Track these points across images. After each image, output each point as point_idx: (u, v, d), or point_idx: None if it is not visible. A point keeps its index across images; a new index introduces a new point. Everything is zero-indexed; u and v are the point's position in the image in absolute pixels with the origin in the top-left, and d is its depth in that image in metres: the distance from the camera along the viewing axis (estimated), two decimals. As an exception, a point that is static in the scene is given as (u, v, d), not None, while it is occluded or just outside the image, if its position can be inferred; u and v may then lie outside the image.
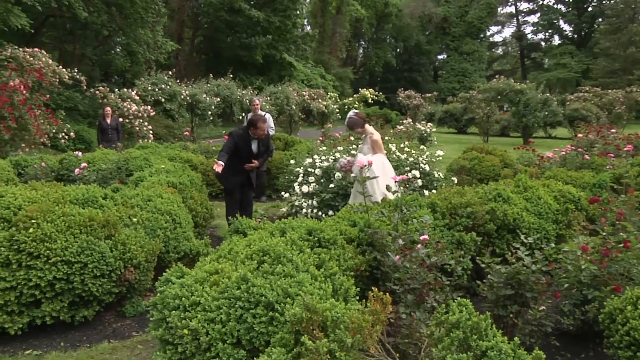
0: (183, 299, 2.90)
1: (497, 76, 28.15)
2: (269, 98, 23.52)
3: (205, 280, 3.07)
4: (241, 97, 21.40)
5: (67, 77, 15.85)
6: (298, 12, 46.30)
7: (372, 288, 2.88)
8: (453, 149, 19.96)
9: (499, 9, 71.14)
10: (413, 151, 7.97)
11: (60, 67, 15.86)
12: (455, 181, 7.99)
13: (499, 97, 26.45)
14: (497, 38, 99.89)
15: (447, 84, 62.56)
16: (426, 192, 6.84)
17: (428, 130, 21.59)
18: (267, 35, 40.42)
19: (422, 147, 8.87)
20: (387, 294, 2.77)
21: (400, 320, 3.26)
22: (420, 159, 7.63)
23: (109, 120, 13.51)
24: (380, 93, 29.48)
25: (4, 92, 13.43)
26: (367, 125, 6.69)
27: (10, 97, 13.44)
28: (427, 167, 7.42)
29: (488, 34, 68.65)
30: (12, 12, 21.33)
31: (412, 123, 22.46)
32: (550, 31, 71.49)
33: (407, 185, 6.43)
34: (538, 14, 72.71)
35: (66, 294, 4.54)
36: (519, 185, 5.93)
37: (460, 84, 59.65)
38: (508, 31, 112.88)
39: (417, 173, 6.68)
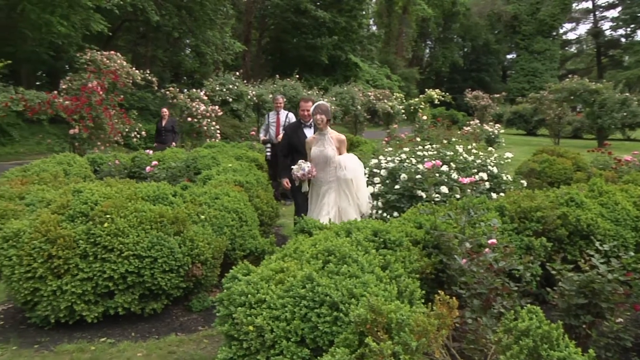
0: (249, 296, 2.95)
1: (570, 75, 27.13)
2: (334, 98, 23.58)
3: (270, 278, 3.10)
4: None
5: (139, 78, 16.49)
6: (364, 13, 46.20)
7: (438, 291, 2.83)
8: (522, 151, 19.38)
9: (574, 5, 68.09)
10: (480, 153, 7.79)
11: (134, 68, 16.50)
12: (525, 184, 7.74)
13: (572, 97, 25.45)
14: (571, 35, 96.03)
15: (516, 84, 60.73)
16: (494, 195, 6.65)
17: (496, 131, 21.03)
18: (332, 36, 40.57)
19: (489, 148, 8.65)
20: (453, 297, 2.72)
21: (465, 325, 3.19)
22: (488, 161, 7.44)
23: (164, 122, 13.60)
24: (447, 94, 28.92)
25: (83, 94, 14.11)
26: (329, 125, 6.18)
27: (88, 97, 14.11)
28: (495, 170, 7.22)
29: (561, 31, 65.92)
30: (93, 19, 22.41)
31: (479, 124, 21.94)
32: (632, 26, 67.15)
33: (475, 188, 6.23)
34: (619, 8, 68.48)
35: (137, 287, 4.72)
36: (593, 189, 5.67)
37: (530, 84, 57.79)
38: (583, 28, 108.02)
39: (484, 175, 6.51)
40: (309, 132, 6.85)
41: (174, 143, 13.02)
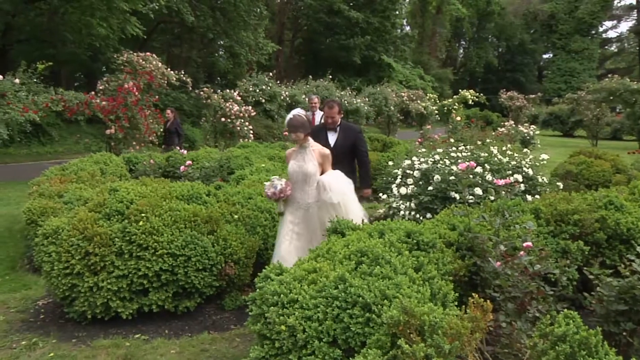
0: (281, 295, 2.96)
1: (609, 75, 26.48)
2: (367, 99, 23.53)
3: (303, 278, 3.11)
4: (340, 97, 21.54)
5: (174, 79, 16.72)
6: (397, 13, 45.99)
7: (472, 294, 2.80)
8: (558, 152, 19.00)
9: (615, 2, 66.24)
10: (515, 154, 7.66)
11: (169, 69, 16.74)
12: (561, 187, 7.58)
13: (611, 97, 24.83)
14: (611, 34, 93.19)
15: (552, 84, 59.55)
16: (529, 197, 6.54)
17: (531, 132, 20.67)
18: (365, 36, 40.48)
19: (524, 150, 8.51)
20: (487, 301, 2.68)
21: (499, 329, 3.14)
22: (523, 162, 7.31)
23: (168, 124, 13.48)
24: (481, 94, 28.60)
25: (119, 94, 14.39)
26: (310, 138, 5.15)
27: (124, 98, 14.39)
28: (530, 171, 7.10)
29: (600, 29, 64.20)
30: (129, 22, 22.88)
31: (514, 125, 21.60)
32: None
33: (509, 190, 6.13)
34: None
35: (171, 285, 4.79)
36: (634, 192, 5.52)
37: (567, 84, 56.59)
38: (625, 25, 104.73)
39: (519, 177, 6.40)
40: (332, 137, 6.18)
41: (177, 147, 12.42)
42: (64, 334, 4.71)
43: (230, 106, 17.18)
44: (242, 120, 17.27)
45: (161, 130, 15.87)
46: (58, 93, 14.15)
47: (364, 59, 42.19)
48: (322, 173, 5.05)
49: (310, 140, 5.12)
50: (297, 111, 5.08)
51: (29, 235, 6.30)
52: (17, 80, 12.89)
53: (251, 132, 17.51)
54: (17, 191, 12.16)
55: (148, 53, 16.63)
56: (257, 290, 3.11)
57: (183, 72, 17.25)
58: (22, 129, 13.42)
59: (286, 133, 17.57)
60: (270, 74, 21.11)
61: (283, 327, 2.86)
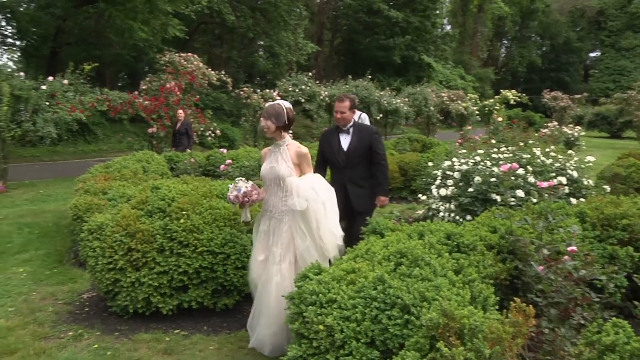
0: (320, 295, 2.96)
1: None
2: (407, 99, 23.37)
3: (342, 278, 3.11)
4: (379, 97, 21.45)
5: (215, 78, 16.96)
6: (438, 12, 45.49)
7: (513, 298, 2.74)
8: (605, 154, 18.48)
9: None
10: (559, 156, 7.48)
11: (210, 69, 16.97)
12: (608, 190, 7.36)
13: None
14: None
15: (599, 83, 57.74)
16: (573, 201, 6.37)
17: (576, 134, 20.15)
18: (405, 36, 40.19)
19: (569, 152, 8.30)
20: (529, 305, 2.63)
21: (542, 335, 3.07)
22: (568, 164, 7.13)
23: (178, 126, 13.12)
24: (524, 94, 28.02)
25: (161, 94, 14.68)
26: (287, 134, 4.49)
27: (166, 98, 14.66)
28: (574, 174, 6.92)
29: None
30: (171, 24, 23.34)
31: (558, 126, 21.10)
32: None
33: (553, 192, 5.97)
34: None
35: (210, 282, 4.86)
36: (685, 196, 5.33)
37: (615, 84, 54.75)
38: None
39: (563, 179, 6.25)
40: (345, 140, 5.50)
41: (188, 149, 12.25)
42: (107, 326, 4.84)
43: (270, 106, 17.28)
44: (282, 120, 17.34)
45: (201, 129, 16.11)
46: (103, 93, 14.54)
47: (404, 58, 41.88)
48: (300, 176, 4.35)
49: (287, 137, 4.45)
50: (284, 103, 4.41)
51: (75, 230, 6.49)
52: (65, 81, 13.29)
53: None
54: (64, 188, 12.53)
55: (190, 53, 16.93)
56: (296, 289, 3.12)
57: (223, 72, 17.48)
58: (69, 128, 13.82)
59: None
60: (310, 73, 21.17)
61: (321, 327, 2.86)
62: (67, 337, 4.64)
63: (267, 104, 4.43)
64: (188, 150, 11.68)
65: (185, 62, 16.16)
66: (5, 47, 31.89)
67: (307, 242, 4.10)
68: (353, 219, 5.40)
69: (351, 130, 5.50)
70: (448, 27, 57.15)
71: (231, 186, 4.38)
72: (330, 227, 4.18)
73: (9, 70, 13.87)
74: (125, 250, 4.75)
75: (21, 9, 28.58)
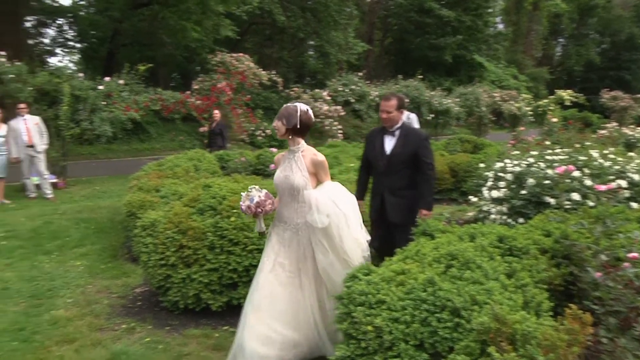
0: (369, 295, 2.95)
1: None
2: (458, 99, 23.03)
3: (391, 279, 3.08)
4: (429, 98, 21.21)
5: (265, 78, 17.13)
6: (491, 11, 44.57)
7: (567, 304, 2.66)
8: (667, 157, 17.68)
9: None
10: (619, 158, 7.21)
11: (260, 69, 17.16)
12: (672, 194, 7.05)
13: None
14: None
15: (665, 82, 55.17)
16: (634, 205, 6.13)
17: (637, 135, 19.36)
18: (457, 35, 39.57)
19: (630, 154, 7.99)
20: (586, 313, 2.54)
21: (600, 344, 2.95)
22: (628, 167, 6.86)
23: (213, 125, 13.18)
24: (580, 94, 27.12)
25: (213, 94, 14.94)
26: (301, 139, 4.08)
27: (217, 97, 14.92)
28: (635, 177, 6.65)
29: None
30: (223, 24, 23.75)
31: (617, 127, 20.33)
32: None
33: (611, 196, 5.74)
34: None
35: (259, 280, 4.91)
36: None
37: (683, 82, 52.21)
38: None
39: (623, 183, 6.02)
40: (389, 143, 5.06)
41: (222, 149, 12.14)
42: (159, 321, 4.97)
43: (320, 106, 17.36)
44: (331, 120, 17.39)
45: (252, 128, 16.30)
46: (157, 93, 14.91)
47: (455, 58, 41.24)
48: (317, 186, 4.01)
49: (302, 143, 4.06)
50: (301, 105, 4.03)
51: (129, 226, 6.67)
52: (121, 81, 13.72)
53: (340, 131, 17.61)
54: (119, 185, 12.91)
55: (241, 54, 17.16)
56: (345, 289, 3.11)
57: (274, 72, 17.63)
58: (124, 127, 14.24)
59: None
60: (360, 73, 21.12)
61: (370, 328, 2.85)
62: (120, 330, 4.79)
63: (285, 109, 4.06)
64: (221, 151, 11.71)
65: (236, 62, 16.40)
66: (67, 50, 33.26)
67: (329, 257, 3.83)
68: (391, 231, 5.04)
69: (397, 132, 5.04)
70: (501, 26, 55.87)
71: (243, 195, 4.04)
72: (354, 237, 3.88)
73: (69, 71, 14.38)
74: (177, 246, 4.85)
75: (82, 13, 29.75)
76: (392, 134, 5.05)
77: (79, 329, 4.80)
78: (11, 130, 11.11)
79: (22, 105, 11.43)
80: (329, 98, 18.23)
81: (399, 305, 2.87)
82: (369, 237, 4.04)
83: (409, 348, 2.74)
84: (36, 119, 11.63)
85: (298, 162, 3.97)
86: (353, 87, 19.78)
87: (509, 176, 6.91)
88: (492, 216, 6.90)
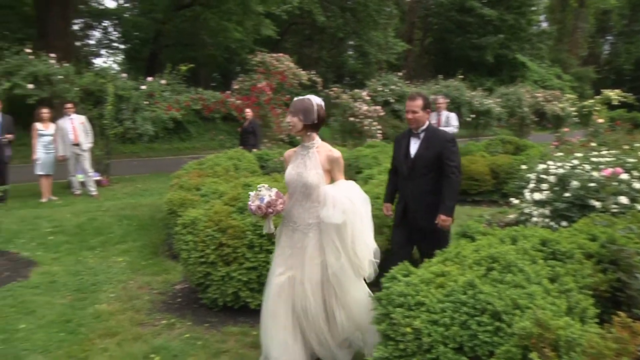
0: (408, 297, 2.92)
1: None
2: (499, 99, 22.63)
3: (430, 281, 3.04)
4: (470, 98, 20.90)
5: (305, 78, 17.16)
6: (534, 9, 43.67)
7: (614, 312, 2.58)
8: None
9: None
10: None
11: (300, 69, 17.20)
12: None
13: None
14: None
15: None
16: (685, 209, 5.91)
17: (689, 137, 18.66)
18: (499, 35, 38.92)
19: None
20: (636, 321, 2.45)
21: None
22: (679, 170, 6.62)
23: (245, 124, 13.25)
24: (630, 94, 26.22)
25: (253, 93, 15.06)
26: (316, 134, 3.91)
27: (257, 97, 15.03)
28: (687, 180, 6.41)
29: None
30: (263, 24, 23.97)
31: (668, 128, 19.63)
32: None
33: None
34: None
35: (298, 279, 4.92)
36: None
37: None
38: None
39: (673, 186, 5.81)
40: (414, 145, 4.88)
41: (255, 148, 12.02)
42: (198, 317, 5.04)
43: (359, 106, 17.29)
44: (371, 120, 17.31)
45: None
46: (197, 92, 15.12)
47: (497, 57, 40.57)
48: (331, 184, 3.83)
49: (316, 139, 3.89)
50: (315, 98, 3.85)
51: (169, 224, 6.78)
52: (163, 81, 13.97)
53: (379, 131, 17.50)
54: (160, 183, 13.15)
55: (281, 54, 17.24)
56: (384, 290, 3.09)
57: (313, 72, 17.65)
58: (165, 126, 14.49)
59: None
60: (400, 73, 20.96)
61: (408, 329, 2.82)
62: (161, 325, 4.88)
63: (295, 98, 3.90)
64: (255, 150, 11.67)
65: (276, 62, 16.48)
66: (111, 51, 34.13)
67: (341, 260, 3.65)
68: (414, 237, 4.90)
69: (423, 134, 4.85)
70: (545, 24, 54.60)
71: (252, 194, 3.82)
72: (365, 241, 3.72)
73: (114, 72, 14.73)
74: (217, 245, 4.91)
75: (126, 15, 30.50)
76: (418, 136, 4.87)
77: (121, 323, 4.92)
78: (58, 129, 11.44)
79: (69, 105, 11.76)
80: (368, 98, 18.13)
81: (438, 308, 2.83)
82: (376, 246, 3.84)
83: (448, 351, 2.70)
84: (82, 118, 11.94)
85: (312, 159, 3.79)
86: (393, 87, 19.63)
87: (552, 178, 6.76)
88: (534, 219, 6.75)
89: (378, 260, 3.80)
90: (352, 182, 3.85)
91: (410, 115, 4.81)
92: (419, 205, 4.81)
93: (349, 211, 3.60)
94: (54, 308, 5.32)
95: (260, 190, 3.77)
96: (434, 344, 2.75)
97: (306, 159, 3.80)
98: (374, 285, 5.45)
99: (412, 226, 4.87)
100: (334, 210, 3.57)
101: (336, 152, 3.82)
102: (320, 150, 3.81)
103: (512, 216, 8.18)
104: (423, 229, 4.82)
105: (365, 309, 3.61)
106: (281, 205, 3.74)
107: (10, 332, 4.74)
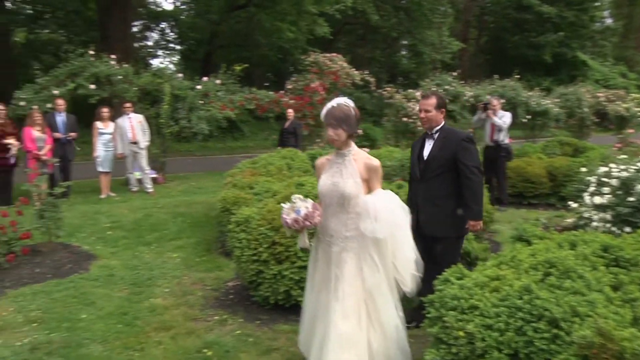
0: (461, 300, 2.87)
1: None
2: (557, 100, 21.97)
3: (485, 285, 2.98)
4: (527, 98, 20.37)
5: (358, 78, 17.10)
6: (598, 4, 42.03)
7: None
8: None
9: None
10: None
11: (353, 69, 17.16)
12: None
13: None
14: None
15: None
16: None
17: None
18: (558, 32, 37.71)
19: None
20: None
21: None
22: None
23: (286, 124, 13.29)
24: None
25: (306, 93, 15.14)
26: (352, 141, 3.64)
27: (310, 97, 15.09)
28: None
29: None
30: (317, 23, 24.08)
31: None
32: None
33: None
34: None
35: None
36: None
37: None
38: None
39: None
40: (429, 146, 4.62)
41: (295, 149, 11.41)
42: (249, 314, 5.10)
43: (413, 106, 17.12)
44: (424, 121, 17.10)
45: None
46: (251, 92, 15.30)
47: (556, 56, 39.29)
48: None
49: (353, 145, 3.62)
50: (348, 101, 3.59)
51: (223, 222, 6.89)
52: (218, 81, 14.23)
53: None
54: (213, 181, 13.38)
55: (334, 53, 17.25)
56: (437, 292, 3.05)
57: (367, 72, 17.59)
58: (219, 125, 14.73)
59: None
60: (454, 73, 20.64)
61: (461, 333, 2.77)
62: (213, 321, 4.97)
63: (329, 107, 3.56)
64: (314, 150, 11.55)
65: (329, 62, 16.50)
66: (167, 52, 35.06)
67: (377, 276, 3.43)
68: (429, 246, 4.46)
69: (437, 135, 4.58)
70: (609, 21, 52.43)
71: (286, 207, 3.54)
72: (406, 254, 3.51)
73: (170, 72, 15.09)
74: (269, 243, 4.95)
75: (182, 17, 31.26)
76: (432, 136, 4.61)
77: (175, 317, 5.04)
78: (117, 127, 11.82)
79: (127, 104, 12.13)
80: (421, 99, 17.94)
81: (492, 312, 2.77)
82: (418, 257, 3.61)
83: (502, 357, 2.64)
84: (140, 117, 12.29)
85: (349, 167, 3.51)
86: (447, 87, 19.33)
87: (614, 182, 6.50)
88: (594, 224, 6.51)
89: (420, 274, 3.58)
90: (388, 192, 3.59)
91: (422, 114, 4.59)
92: (432, 209, 4.53)
93: (391, 223, 3.40)
94: (112, 300, 5.50)
95: (294, 202, 3.50)
96: (487, 349, 2.69)
97: (342, 168, 3.53)
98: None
99: (425, 234, 4.51)
100: (378, 223, 3.35)
101: (375, 161, 3.58)
102: (358, 158, 3.56)
103: (570, 220, 7.91)
104: (435, 238, 4.55)
105: (395, 333, 3.51)
106: (318, 218, 3.45)
107: (73, 322, 4.95)
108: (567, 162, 10.60)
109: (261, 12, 24.31)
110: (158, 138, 13.69)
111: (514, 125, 10.87)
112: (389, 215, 3.39)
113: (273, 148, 12.88)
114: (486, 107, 10.06)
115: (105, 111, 11.73)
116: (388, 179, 8.11)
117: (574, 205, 7.74)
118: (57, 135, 10.93)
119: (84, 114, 14.18)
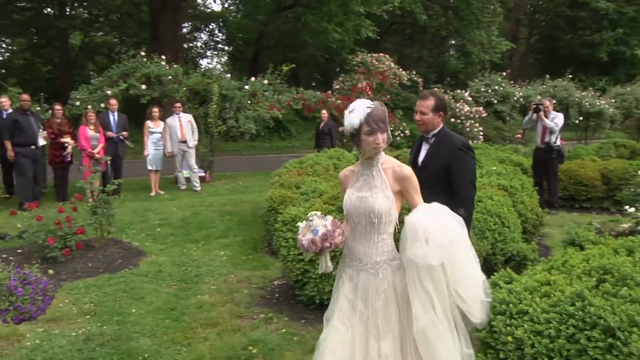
0: (510, 305, 2.81)
1: None
2: (613, 100, 21.25)
3: (535, 289, 2.91)
4: (580, 99, 19.79)
5: (406, 79, 17.00)
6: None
7: None
8: None
9: None
10: None
11: (400, 69, 17.06)
12: None
13: None
14: None
15: None
16: None
17: None
18: (616, 30, 36.33)
19: None
20: None
21: None
22: None
23: (321, 125, 13.46)
24: None
25: (353, 93, 15.13)
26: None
27: (358, 97, 15.06)
28: None
29: None
30: (364, 25, 24.05)
31: None
32: None
33: None
34: None
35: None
36: None
37: None
38: None
39: None
40: (424, 151, 4.16)
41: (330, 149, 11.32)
42: (295, 313, 5.13)
43: (461, 106, 16.90)
44: (472, 122, 16.86)
45: (391, 129, 16.22)
46: (298, 92, 15.39)
47: (612, 55, 37.85)
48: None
49: (382, 153, 2.97)
50: (376, 103, 2.90)
51: (269, 221, 6.95)
52: (265, 82, 14.36)
53: (481, 133, 17.02)
54: (260, 180, 13.51)
55: (381, 54, 17.19)
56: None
57: (414, 72, 17.46)
58: (266, 125, 14.88)
59: (519, 136, 16.61)
60: (504, 73, 20.26)
61: (509, 339, 2.71)
62: (259, 319, 5.02)
63: (367, 110, 2.83)
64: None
65: (376, 62, 16.46)
66: (216, 52, 35.66)
67: (432, 313, 2.63)
68: None
69: (432, 140, 4.09)
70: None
71: (302, 225, 3.00)
72: (471, 277, 2.72)
73: (218, 72, 15.33)
74: (315, 243, 4.96)
75: (230, 18, 31.75)
76: (428, 141, 4.13)
77: (221, 314, 5.11)
78: (167, 127, 12.08)
79: (177, 104, 12.38)
80: (470, 99, 17.66)
81: (542, 318, 2.70)
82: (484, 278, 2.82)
83: (553, 365, 2.57)
84: (189, 117, 12.52)
85: (378, 178, 2.90)
86: (496, 87, 19.01)
87: (673, 185, 6.25)
88: (652, 229, 6.29)
89: (490, 299, 2.79)
90: (436, 204, 2.86)
91: (417, 117, 4.08)
92: None
93: (446, 244, 2.65)
94: (160, 296, 5.63)
95: (311, 220, 2.94)
96: (537, 355, 2.63)
97: (370, 180, 2.91)
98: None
99: None
100: (429, 247, 2.62)
101: (406, 168, 2.93)
102: (386, 167, 2.93)
103: (625, 225, 7.64)
104: None
105: None
106: (340, 237, 2.86)
107: (123, 315, 5.10)
108: (623, 165, 10.23)
109: (308, 13, 24.40)
110: (206, 137, 13.92)
111: (565, 126, 10.56)
112: (443, 234, 2.66)
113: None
114: (538, 108, 9.80)
115: (155, 111, 12.02)
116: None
117: (630, 209, 7.48)
118: (110, 134, 11.26)
119: (135, 114, 14.56)
